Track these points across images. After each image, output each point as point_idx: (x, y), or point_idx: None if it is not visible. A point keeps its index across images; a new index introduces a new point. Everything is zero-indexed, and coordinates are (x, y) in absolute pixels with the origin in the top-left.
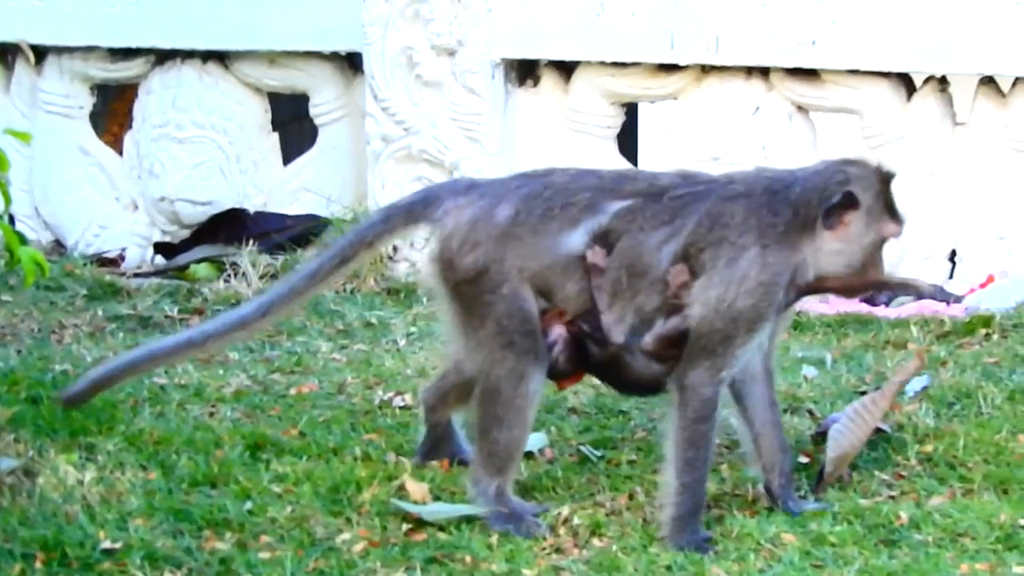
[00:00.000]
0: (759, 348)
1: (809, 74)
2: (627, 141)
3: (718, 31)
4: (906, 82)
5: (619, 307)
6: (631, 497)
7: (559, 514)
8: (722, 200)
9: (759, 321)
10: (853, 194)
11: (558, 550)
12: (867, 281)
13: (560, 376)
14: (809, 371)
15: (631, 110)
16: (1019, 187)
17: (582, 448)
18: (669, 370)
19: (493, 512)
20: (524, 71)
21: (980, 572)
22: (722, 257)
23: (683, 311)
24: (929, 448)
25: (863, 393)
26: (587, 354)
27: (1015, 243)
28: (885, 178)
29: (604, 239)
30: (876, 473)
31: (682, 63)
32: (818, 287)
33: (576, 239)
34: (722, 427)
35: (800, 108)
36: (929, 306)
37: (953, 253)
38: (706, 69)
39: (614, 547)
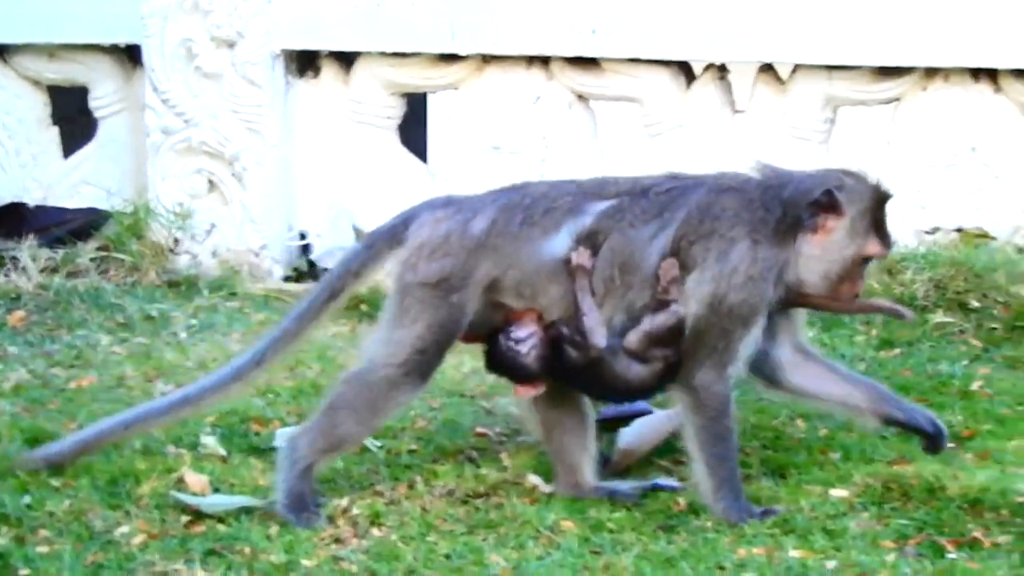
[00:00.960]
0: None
1: (589, 63)
2: (419, 131)
3: (499, 21)
4: (686, 70)
5: (609, 306)
6: (411, 487)
7: (339, 505)
8: (713, 192)
9: (753, 315)
10: (834, 195)
11: (337, 540)
12: (840, 299)
13: (523, 378)
14: None
15: (421, 100)
16: None
17: None
18: (650, 373)
19: (284, 492)
20: (304, 62)
21: (757, 556)
22: (713, 250)
23: (670, 307)
24: None
25: None
26: (561, 358)
27: None
28: (880, 197)
29: (589, 240)
30: (655, 459)
31: (463, 53)
32: (796, 296)
33: (559, 243)
34: (504, 416)
35: (581, 97)
36: None
37: None
38: (487, 59)
39: (393, 536)
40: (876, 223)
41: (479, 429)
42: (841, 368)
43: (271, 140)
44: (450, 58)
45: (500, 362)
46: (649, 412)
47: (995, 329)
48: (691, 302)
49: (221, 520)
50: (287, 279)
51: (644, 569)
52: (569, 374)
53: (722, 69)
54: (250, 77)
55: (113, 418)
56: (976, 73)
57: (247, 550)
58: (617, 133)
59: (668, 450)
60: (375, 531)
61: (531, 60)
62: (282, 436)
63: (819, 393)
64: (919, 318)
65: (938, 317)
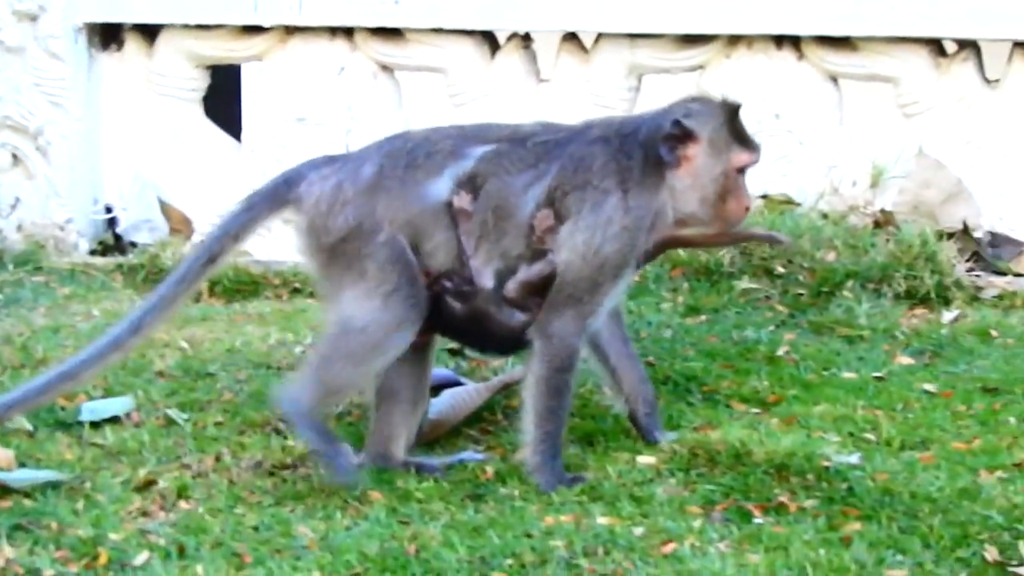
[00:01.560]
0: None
1: (393, 33)
2: (232, 104)
3: None
4: (490, 40)
5: (485, 251)
6: (218, 459)
7: (144, 476)
8: (583, 144)
9: (624, 267)
10: (683, 124)
11: (144, 513)
12: (732, 219)
13: None
14: None
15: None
16: None
17: (168, 411)
18: (531, 320)
19: (307, 427)
20: (108, 35)
21: (565, 524)
22: (587, 201)
23: (547, 256)
24: (515, 402)
25: None
26: (443, 314)
27: None
28: (730, 109)
29: (470, 184)
30: (464, 428)
31: (266, 24)
32: (680, 238)
33: (442, 186)
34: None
35: (385, 67)
36: None
37: None
38: (290, 30)
39: (200, 509)
40: (735, 134)
41: None
42: (629, 343)
43: (75, 114)
44: (253, 30)
45: None
46: (459, 383)
47: (801, 295)
48: (563, 250)
49: (27, 495)
50: (93, 253)
51: (452, 538)
52: (453, 327)
53: (526, 38)
54: (53, 51)
55: None
56: (779, 40)
57: (54, 525)
58: (422, 103)
59: (477, 419)
60: (182, 504)
61: (335, 31)
62: (88, 410)
63: (607, 360)
64: (725, 284)
65: (744, 283)
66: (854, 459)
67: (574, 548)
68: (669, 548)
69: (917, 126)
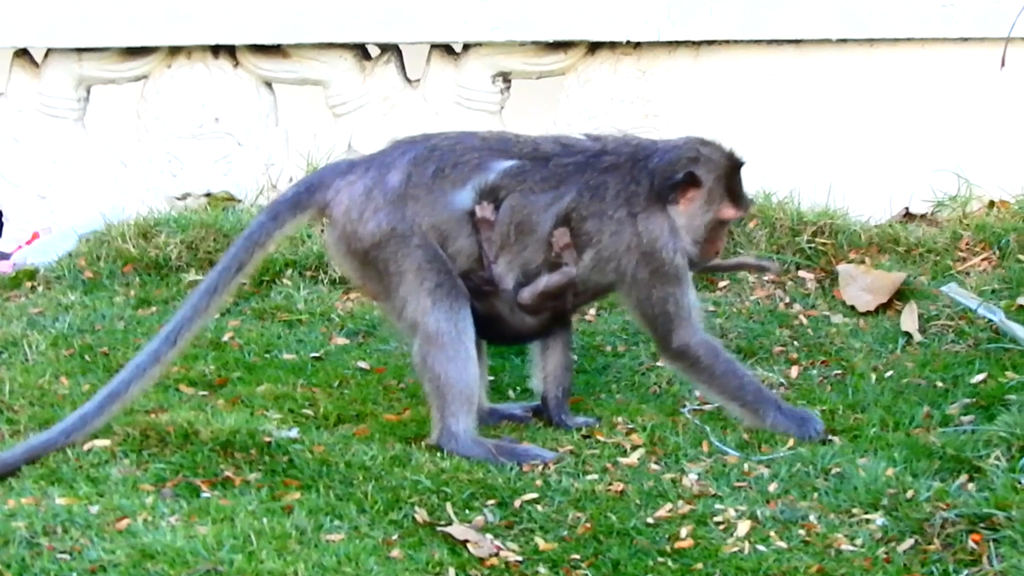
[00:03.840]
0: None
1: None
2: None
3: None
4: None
5: (507, 259)
6: None
7: None
8: (597, 172)
9: (680, 270)
10: (694, 174)
11: None
12: (703, 259)
13: None
14: None
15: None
16: (54, 151)
17: None
18: (539, 321)
19: (486, 454)
20: None
21: (26, 505)
22: (604, 231)
23: (562, 268)
24: None
25: None
26: (473, 310)
27: (56, 202)
28: (734, 164)
29: (491, 195)
30: None
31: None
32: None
33: (466, 196)
34: None
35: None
36: None
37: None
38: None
39: None
40: (731, 189)
41: None
42: (569, 330)
43: None
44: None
45: None
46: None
47: (243, 284)
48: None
49: None
50: None
51: None
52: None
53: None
54: None
55: (54, 428)
56: (216, 50)
57: None
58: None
59: None
60: None
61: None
62: None
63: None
64: (173, 278)
65: (191, 276)
66: (293, 433)
67: (35, 528)
68: (124, 524)
69: (347, 125)
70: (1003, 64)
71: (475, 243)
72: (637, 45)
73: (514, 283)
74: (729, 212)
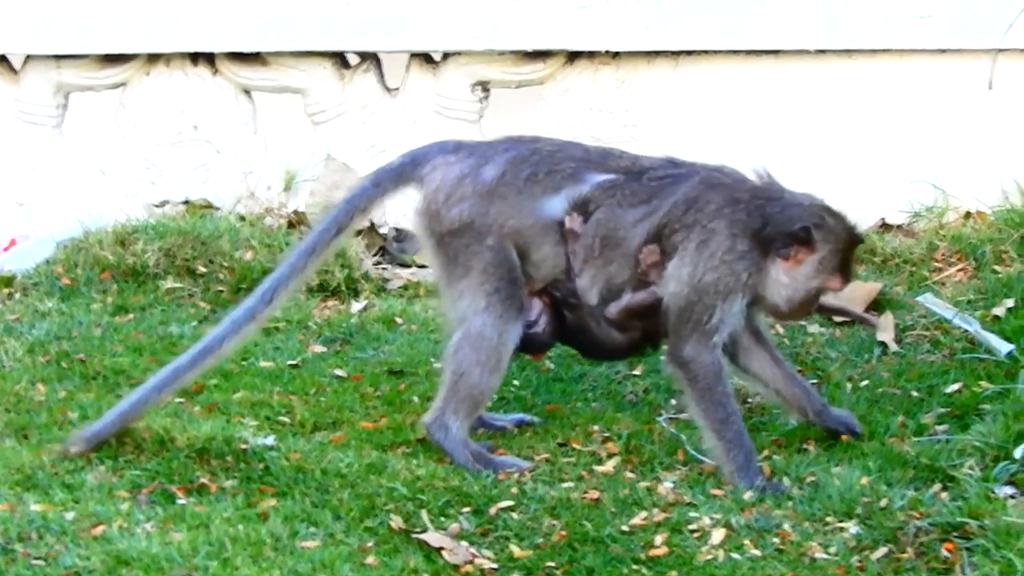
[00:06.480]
0: (740, 315)
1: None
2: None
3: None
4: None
5: (591, 273)
6: None
7: None
8: (703, 185)
9: (731, 292)
10: (811, 233)
11: None
12: (791, 318)
13: (540, 348)
14: None
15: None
16: (32, 157)
17: None
18: (629, 338)
19: (464, 457)
20: None
21: (1, 512)
22: (693, 240)
23: (650, 287)
24: None
25: None
26: (563, 321)
27: (34, 209)
28: (853, 239)
29: (583, 207)
30: None
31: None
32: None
33: (557, 204)
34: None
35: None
36: None
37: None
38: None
39: None
40: (843, 263)
41: None
42: (782, 360)
43: None
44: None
45: (521, 346)
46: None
47: (221, 291)
48: (671, 283)
49: None
50: None
51: None
52: (565, 335)
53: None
54: None
55: (144, 385)
56: (195, 57)
57: None
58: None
59: None
60: None
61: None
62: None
63: (764, 379)
64: (150, 285)
65: (168, 283)
66: (270, 440)
67: (9, 534)
68: (99, 530)
69: (325, 133)
70: (991, 86)
71: (562, 253)
72: (616, 55)
73: (598, 298)
74: (835, 284)
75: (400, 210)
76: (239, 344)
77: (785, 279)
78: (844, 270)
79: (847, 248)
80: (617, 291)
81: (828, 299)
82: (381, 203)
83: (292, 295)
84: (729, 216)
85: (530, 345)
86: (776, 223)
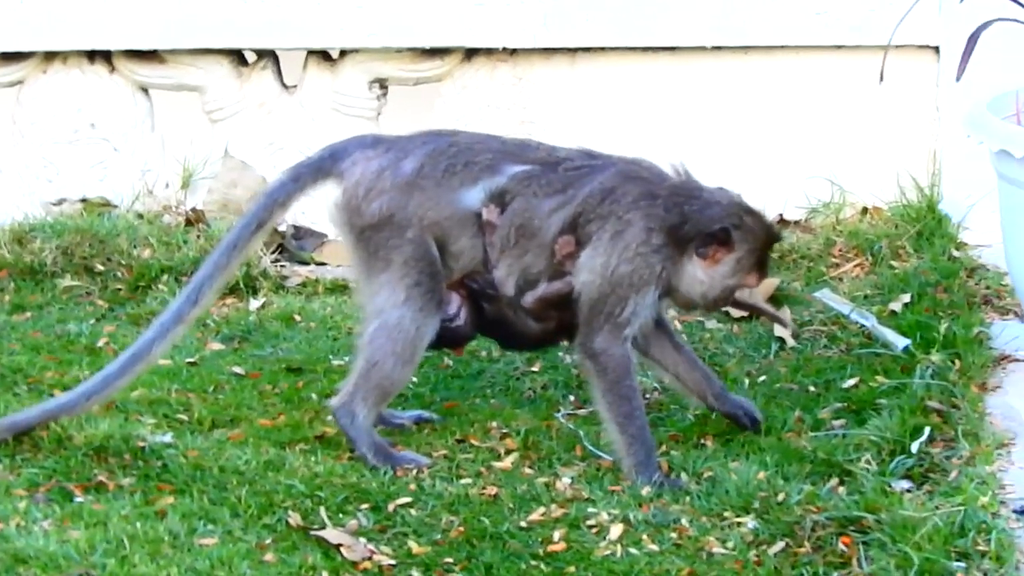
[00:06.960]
0: (652, 308)
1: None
2: None
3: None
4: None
5: (507, 264)
6: None
7: None
8: (620, 176)
9: (644, 284)
10: (730, 234)
11: None
12: (702, 312)
13: (462, 341)
14: None
15: None
16: None
17: None
18: (545, 328)
19: (368, 445)
20: None
21: None
22: (608, 230)
23: (566, 276)
24: None
25: None
26: (481, 312)
27: None
28: (770, 238)
29: (500, 198)
30: None
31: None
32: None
33: (474, 196)
34: None
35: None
36: None
37: None
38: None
39: None
40: (759, 261)
41: None
42: (682, 345)
43: None
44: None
45: (441, 340)
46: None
47: (119, 290)
48: (583, 272)
49: None
50: None
51: None
52: (484, 327)
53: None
54: None
55: (74, 390)
56: (92, 55)
57: None
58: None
59: None
60: None
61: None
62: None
63: (664, 363)
64: (48, 283)
65: (66, 281)
66: (167, 438)
67: None
68: None
69: (223, 131)
70: (882, 79)
71: (480, 245)
72: (513, 52)
73: (515, 289)
74: (751, 282)
75: (298, 207)
76: (169, 347)
77: (702, 276)
78: (760, 268)
79: (764, 247)
80: (533, 281)
81: (743, 295)
82: (299, 197)
83: (218, 293)
84: (645, 209)
85: (452, 339)
86: (695, 222)
